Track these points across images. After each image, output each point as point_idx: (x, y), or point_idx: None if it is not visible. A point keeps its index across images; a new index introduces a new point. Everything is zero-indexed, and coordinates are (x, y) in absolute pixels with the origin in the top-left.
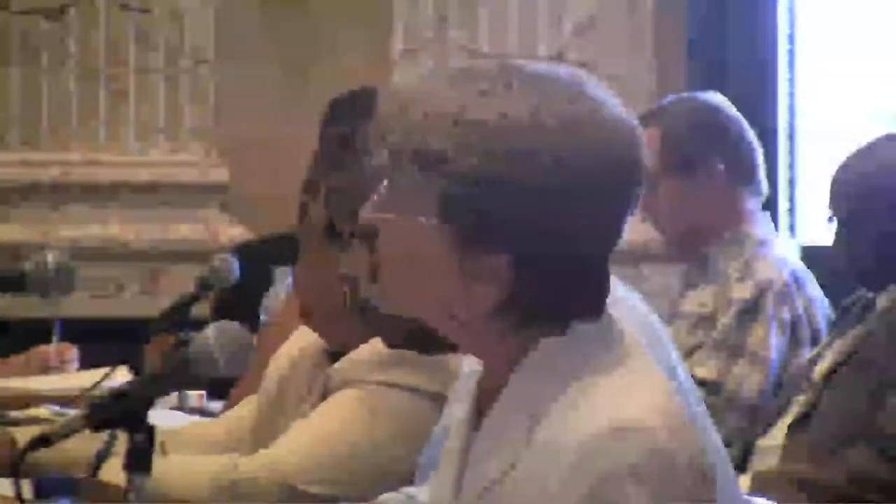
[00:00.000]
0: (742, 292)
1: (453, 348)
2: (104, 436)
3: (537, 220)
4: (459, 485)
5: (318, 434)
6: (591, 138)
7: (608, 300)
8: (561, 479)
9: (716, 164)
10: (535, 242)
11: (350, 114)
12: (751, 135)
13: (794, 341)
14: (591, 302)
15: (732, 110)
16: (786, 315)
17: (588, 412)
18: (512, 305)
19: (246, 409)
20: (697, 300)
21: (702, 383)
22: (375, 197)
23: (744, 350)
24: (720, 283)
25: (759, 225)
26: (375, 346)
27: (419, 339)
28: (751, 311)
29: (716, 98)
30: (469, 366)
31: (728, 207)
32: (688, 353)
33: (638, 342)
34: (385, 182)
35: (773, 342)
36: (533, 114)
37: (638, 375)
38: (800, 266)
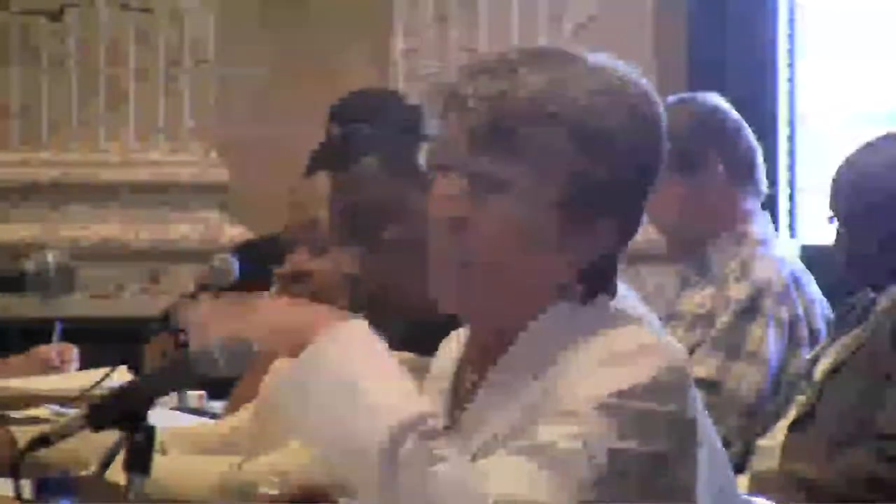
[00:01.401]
0: (740, 292)
1: None
2: (104, 436)
3: (629, 188)
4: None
5: None
6: (655, 120)
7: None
8: (592, 371)
9: (716, 164)
10: (631, 207)
11: (355, 114)
12: (750, 135)
13: (792, 341)
14: (614, 274)
15: (732, 111)
16: (784, 315)
17: (611, 342)
18: (589, 272)
19: (246, 414)
20: (695, 300)
21: (700, 382)
22: (445, 191)
23: (742, 350)
24: (718, 283)
25: (759, 225)
26: None
27: (419, 339)
28: (749, 311)
29: (715, 98)
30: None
31: (727, 207)
32: (687, 352)
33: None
34: (454, 173)
35: (772, 342)
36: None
37: (648, 326)
38: (799, 266)
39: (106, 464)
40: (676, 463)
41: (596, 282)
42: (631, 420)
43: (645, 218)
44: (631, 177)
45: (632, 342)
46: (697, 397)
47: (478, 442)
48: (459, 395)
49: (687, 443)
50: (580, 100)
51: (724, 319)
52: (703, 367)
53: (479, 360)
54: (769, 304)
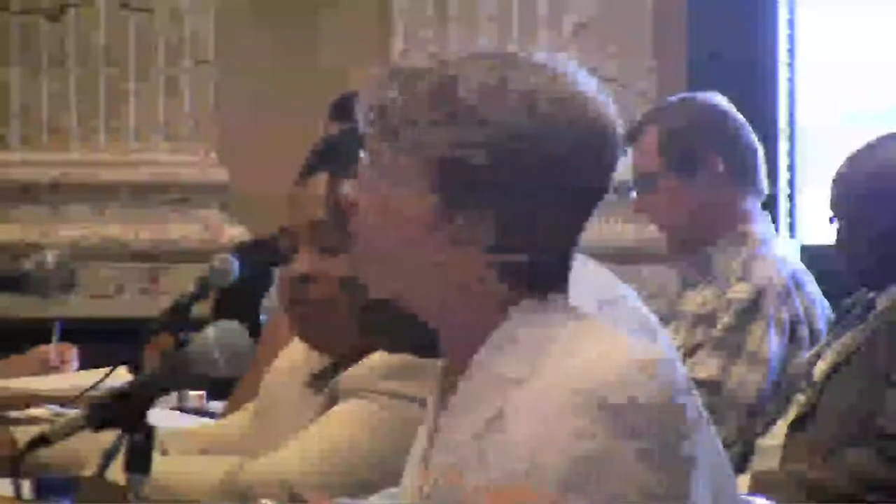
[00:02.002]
0: (741, 292)
1: None
2: (104, 436)
3: (516, 179)
4: (426, 463)
5: (324, 443)
6: (569, 107)
7: (608, 298)
8: (560, 404)
9: (717, 164)
10: (514, 201)
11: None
12: (751, 135)
13: (793, 342)
14: (563, 268)
15: (733, 111)
16: (784, 316)
17: (573, 355)
18: (494, 263)
19: (246, 414)
20: (697, 300)
21: (701, 383)
22: (357, 181)
23: (742, 350)
24: (720, 283)
25: (759, 225)
26: (383, 355)
27: (420, 340)
28: (749, 312)
29: (717, 98)
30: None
31: (728, 207)
32: (688, 353)
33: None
34: (366, 163)
35: (772, 343)
36: (518, 82)
37: (612, 330)
38: (799, 266)
39: (106, 464)
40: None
41: (516, 279)
42: (603, 462)
43: (644, 218)
44: (519, 170)
45: (595, 352)
46: (665, 394)
47: (441, 460)
48: (445, 400)
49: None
50: (468, 89)
51: (725, 320)
52: (704, 369)
53: (452, 371)
54: (770, 305)
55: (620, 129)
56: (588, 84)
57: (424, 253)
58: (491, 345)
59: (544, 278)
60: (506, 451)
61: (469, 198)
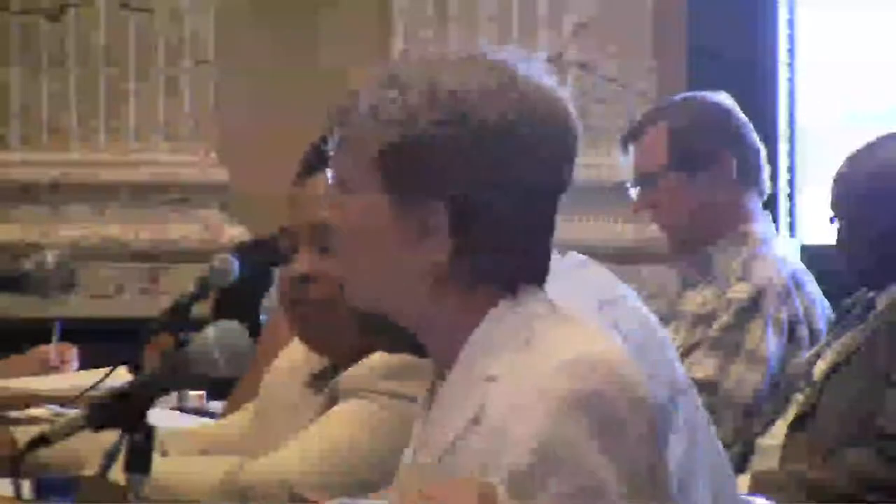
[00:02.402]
0: (740, 292)
1: None
2: (104, 436)
3: (468, 168)
4: (415, 464)
5: (325, 443)
6: (520, 94)
7: (608, 298)
8: (526, 404)
9: (722, 162)
10: (469, 191)
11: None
12: (754, 135)
13: (792, 342)
14: (535, 265)
15: (737, 110)
16: (784, 315)
17: (546, 354)
18: (459, 261)
19: (246, 414)
20: (697, 299)
21: (698, 384)
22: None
23: (741, 349)
24: (720, 283)
25: (761, 225)
26: (382, 356)
27: (418, 341)
28: (748, 311)
29: (721, 97)
30: None
31: (731, 207)
32: (686, 352)
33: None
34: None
35: (770, 342)
36: (463, 70)
37: (585, 326)
38: (800, 266)
39: (108, 464)
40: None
41: (477, 273)
42: (573, 448)
43: (645, 217)
44: (444, 148)
45: (568, 351)
46: (648, 398)
47: (425, 459)
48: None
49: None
50: (394, 84)
51: (723, 319)
52: (701, 368)
53: (438, 371)
54: (769, 305)
55: (578, 123)
56: (544, 77)
57: (390, 257)
58: (470, 346)
59: (519, 276)
60: (481, 449)
61: (409, 194)
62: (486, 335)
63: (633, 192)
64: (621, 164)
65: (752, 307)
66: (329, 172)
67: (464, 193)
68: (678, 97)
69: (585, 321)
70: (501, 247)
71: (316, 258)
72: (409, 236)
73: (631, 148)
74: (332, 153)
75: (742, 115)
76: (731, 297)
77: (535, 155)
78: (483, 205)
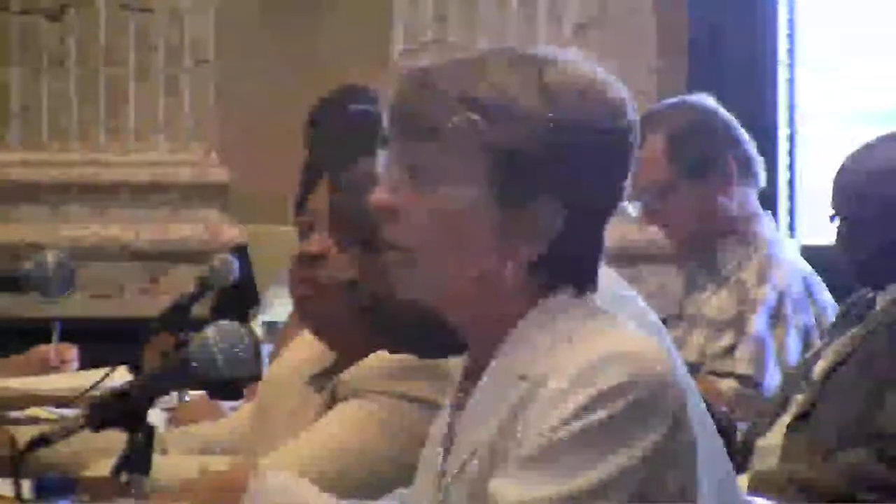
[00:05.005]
0: (764, 295)
1: (453, 351)
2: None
3: (578, 170)
4: (445, 460)
5: (326, 443)
6: (594, 96)
7: (612, 299)
8: (557, 391)
9: (730, 162)
10: (577, 192)
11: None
12: (742, 130)
13: (806, 349)
14: (595, 270)
15: (722, 109)
16: (801, 322)
17: (585, 349)
18: (547, 262)
19: (247, 412)
20: (712, 303)
21: (739, 378)
22: (388, 182)
23: (770, 352)
24: (735, 287)
25: (766, 225)
26: (384, 356)
27: (422, 342)
28: (774, 316)
29: (708, 100)
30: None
31: (739, 207)
32: (720, 356)
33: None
34: (394, 165)
35: (792, 347)
36: (547, 75)
37: (625, 327)
38: (809, 271)
39: (120, 466)
40: (665, 461)
41: (557, 273)
42: (601, 437)
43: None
44: (560, 150)
45: (603, 348)
46: (685, 395)
47: (457, 460)
48: (466, 384)
49: (673, 439)
50: (483, 78)
51: (754, 321)
52: (742, 364)
53: (473, 371)
54: (789, 310)
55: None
56: (609, 76)
57: (476, 249)
58: (511, 341)
59: (589, 279)
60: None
61: (520, 191)
62: (529, 330)
63: (635, 206)
64: None
65: (776, 312)
66: (393, 159)
67: (573, 195)
68: (663, 105)
69: (626, 322)
70: (585, 252)
71: (330, 242)
72: (510, 235)
73: None
74: (398, 140)
75: (727, 113)
76: (756, 299)
77: (622, 158)
78: (584, 208)
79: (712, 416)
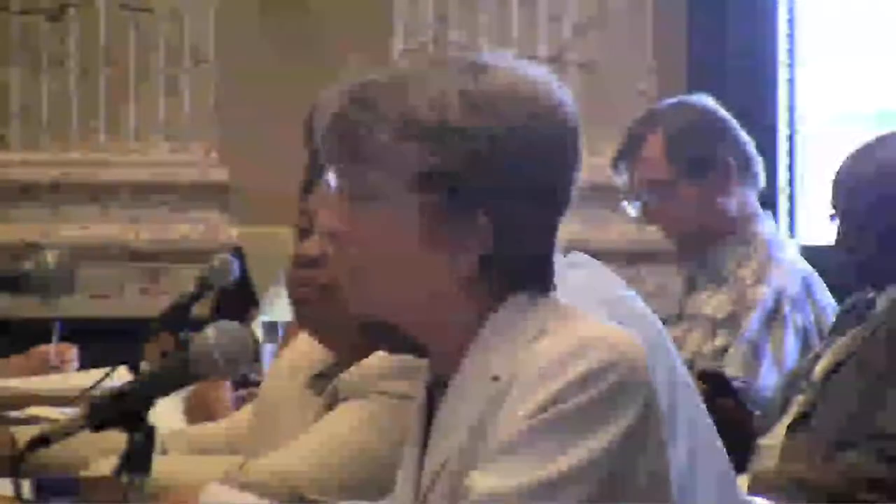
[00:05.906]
0: (761, 295)
1: None
2: (104, 436)
3: (505, 179)
4: (421, 462)
5: (327, 443)
6: (533, 105)
7: (609, 298)
8: (529, 384)
9: (729, 162)
10: (507, 202)
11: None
12: (740, 129)
13: (805, 349)
14: (548, 270)
15: (720, 108)
16: (800, 322)
17: (554, 341)
18: (489, 271)
19: (247, 412)
20: (711, 302)
21: (735, 380)
22: (324, 201)
23: (766, 352)
24: (734, 286)
25: (765, 225)
26: (384, 356)
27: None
28: (771, 316)
29: (708, 100)
30: None
31: (739, 207)
32: (713, 356)
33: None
34: (335, 189)
35: (790, 348)
36: (482, 85)
37: (595, 320)
38: (809, 271)
39: (122, 466)
40: (636, 446)
41: (508, 278)
42: (572, 424)
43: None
44: (491, 162)
45: (572, 338)
46: (655, 382)
47: (433, 466)
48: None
49: (645, 424)
50: (418, 97)
51: (751, 321)
52: (732, 368)
53: (437, 383)
54: (787, 310)
55: (579, 121)
56: (546, 78)
57: (417, 266)
58: (477, 345)
59: (543, 281)
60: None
61: (455, 206)
62: (493, 333)
63: (635, 206)
64: (616, 182)
65: (773, 312)
66: (331, 180)
67: (503, 206)
68: (661, 106)
69: (595, 317)
70: (529, 254)
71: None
72: (443, 249)
73: (622, 165)
74: (334, 161)
75: (725, 113)
76: (754, 299)
77: (557, 160)
78: (518, 215)
79: (728, 398)
